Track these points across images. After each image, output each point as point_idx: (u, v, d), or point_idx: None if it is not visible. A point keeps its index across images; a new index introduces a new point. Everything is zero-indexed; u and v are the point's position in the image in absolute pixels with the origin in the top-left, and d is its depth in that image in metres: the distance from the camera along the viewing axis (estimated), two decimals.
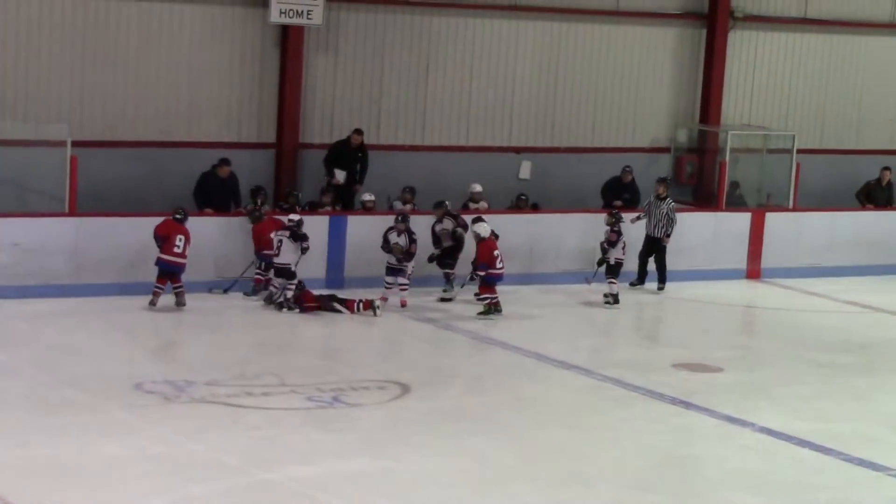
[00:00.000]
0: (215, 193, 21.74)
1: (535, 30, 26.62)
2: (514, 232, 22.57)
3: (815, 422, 16.48)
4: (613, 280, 22.37)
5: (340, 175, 22.98)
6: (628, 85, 27.98)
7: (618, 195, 25.17)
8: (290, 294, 19.70)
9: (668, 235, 23.22)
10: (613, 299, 22.01)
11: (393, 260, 20.76)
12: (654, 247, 23.30)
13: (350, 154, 23.46)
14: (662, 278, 23.40)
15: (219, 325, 19.60)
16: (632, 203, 25.07)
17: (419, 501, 12.88)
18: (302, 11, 23.10)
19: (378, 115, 24.95)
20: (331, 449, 13.97)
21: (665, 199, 23.46)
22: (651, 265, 23.83)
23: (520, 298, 21.82)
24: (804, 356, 20.16)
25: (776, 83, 29.58)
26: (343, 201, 23.09)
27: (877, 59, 30.48)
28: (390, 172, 24.38)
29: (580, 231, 23.51)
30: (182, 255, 20.02)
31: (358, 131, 23.57)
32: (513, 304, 21.37)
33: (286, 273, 20.30)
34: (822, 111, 30.15)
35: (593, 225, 23.60)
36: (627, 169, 25.53)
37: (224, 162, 21.89)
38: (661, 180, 23.75)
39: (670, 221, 23.15)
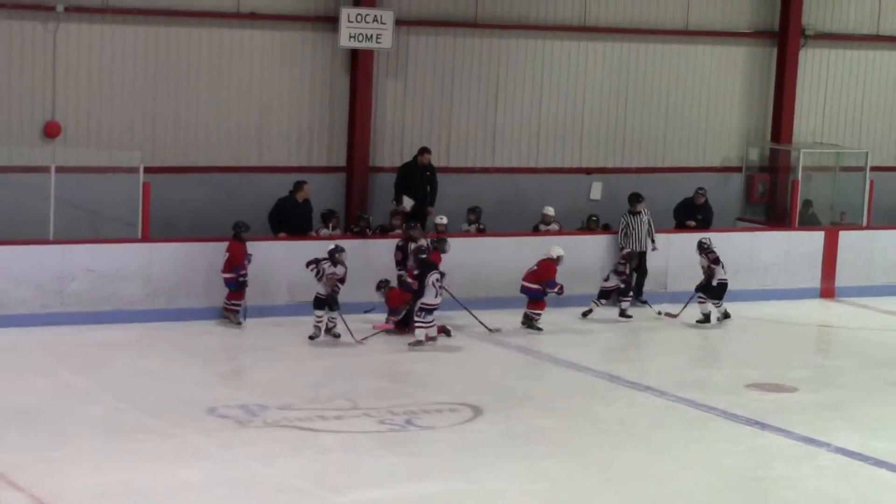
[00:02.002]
0: (292, 218, 21.86)
1: (605, 50, 26.67)
2: (586, 253, 22.71)
3: (892, 442, 16.40)
4: (718, 302, 22.58)
5: (408, 203, 23.04)
6: (699, 104, 27.91)
7: (691, 216, 25.28)
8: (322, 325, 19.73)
9: (654, 241, 23.42)
10: (723, 315, 22.29)
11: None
12: (639, 261, 23.46)
13: (419, 175, 23.50)
14: (639, 292, 23.53)
15: (291, 349, 19.74)
16: (705, 224, 25.21)
17: None
18: (371, 35, 23.23)
19: (448, 137, 25.09)
20: (403, 472, 14.01)
21: (639, 213, 23.51)
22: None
23: (590, 319, 21.85)
24: (880, 375, 20.09)
25: (849, 100, 29.44)
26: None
27: None
28: (461, 195, 24.49)
29: (651, 251, 23.63)
30: (223, 270, 20.42)
31: (425, 150, 23.63)
32: (584, 324, 21.48)
33: (315, 302, 20.29)
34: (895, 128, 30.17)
35: (664, 245, 23.77)
36: (700, 191, 25.51)
37: (302, 184, 22.04)
38: (636, 197, 23.82)
39: (650, 232, 23.33)
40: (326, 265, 20.31)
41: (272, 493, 13.08)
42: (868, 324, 23.78)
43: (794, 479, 14.99)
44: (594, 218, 24.50)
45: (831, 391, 19.18)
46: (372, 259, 21.54)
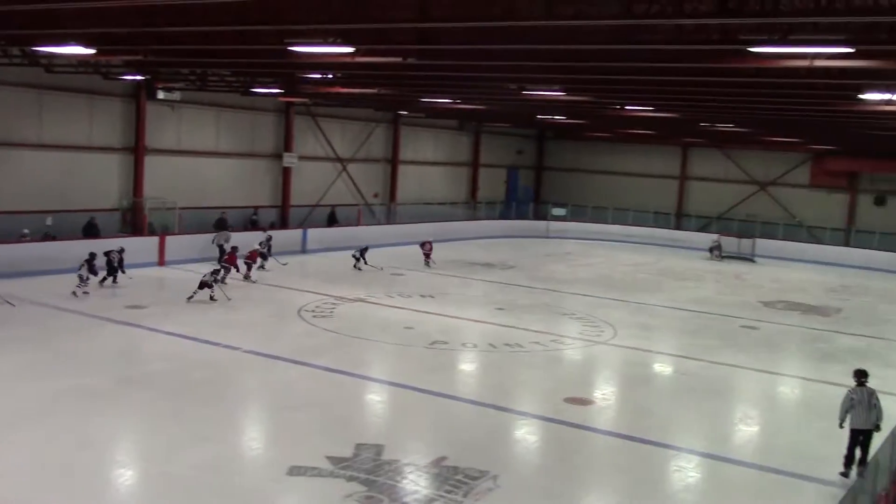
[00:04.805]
0: None
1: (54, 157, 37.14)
2: None
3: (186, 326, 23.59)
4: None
5: None
6: (102, 181, 40.01)
7: (91, 232, 36.20)
8: None
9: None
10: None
11: None
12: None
13: None
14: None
15: None
16: (96, 233, 34.17)
17: None
18: None
19: None
20: None
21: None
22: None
23: None
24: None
25: (169, 176, 42.06)
26: None
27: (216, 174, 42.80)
28: None
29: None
30: None
31: None
32: None
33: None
34: (198, 188, 42.83)
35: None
36: (93, 219, 36.93)
37: None
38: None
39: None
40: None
41: None
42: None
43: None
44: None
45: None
46: None
